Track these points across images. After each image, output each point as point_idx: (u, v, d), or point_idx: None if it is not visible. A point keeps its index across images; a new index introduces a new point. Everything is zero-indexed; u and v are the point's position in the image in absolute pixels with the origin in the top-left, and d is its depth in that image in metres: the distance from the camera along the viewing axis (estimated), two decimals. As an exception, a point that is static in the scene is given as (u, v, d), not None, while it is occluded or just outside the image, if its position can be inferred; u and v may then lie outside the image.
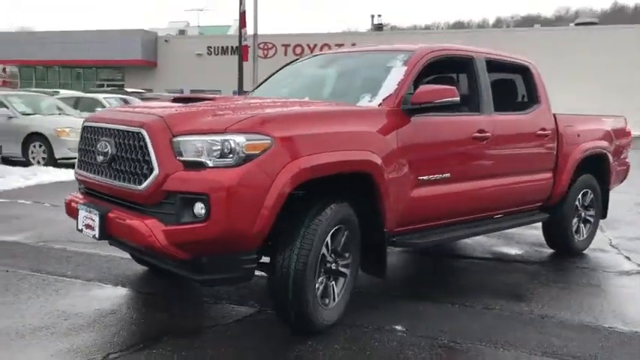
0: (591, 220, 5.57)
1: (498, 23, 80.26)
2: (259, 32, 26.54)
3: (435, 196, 3.90)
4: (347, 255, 3.48)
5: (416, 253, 5.41)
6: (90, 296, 3.88)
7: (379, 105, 3.66)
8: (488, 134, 4.20)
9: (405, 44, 4.32)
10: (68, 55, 40.01)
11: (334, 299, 3.41)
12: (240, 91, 24.84)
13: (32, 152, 10.70)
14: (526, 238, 6.05)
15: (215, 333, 3.35)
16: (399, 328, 3.48)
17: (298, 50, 38.45)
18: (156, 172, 2.96)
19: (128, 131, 3.17)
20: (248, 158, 2.92)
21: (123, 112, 3.43)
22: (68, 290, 3.97)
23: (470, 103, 4.35)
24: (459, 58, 4.38)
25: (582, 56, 32.00)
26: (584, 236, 5.52)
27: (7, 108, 11.04)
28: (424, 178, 3.80)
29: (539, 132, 4.72)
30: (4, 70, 43.49)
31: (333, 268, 3.39)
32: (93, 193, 3.56)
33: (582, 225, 5.50)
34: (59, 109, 12.26)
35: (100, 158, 3.35)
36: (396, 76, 3.81)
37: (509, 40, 32.95)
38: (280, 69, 4.96)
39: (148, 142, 3.01)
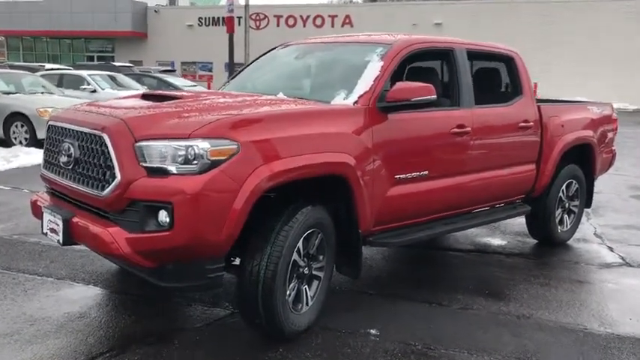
0: (575, 210, 5.51)
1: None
2: (251, 2, 26.14)
3: (413, 194, 3.81)
4: (321, 258, 3.40)
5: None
6: (60, 297, 3.80)
7: (354, 103, 3.54)
8: (467, 129, 4.09)
9: (383, 35, 4.17)
10: (56, 25, 39.20)
11: (307, 303, 3.34)
12: (231, 63, 24.56)
13: (14, 132, 10.50)
14: (511, 228, 5.98)
15: (184, 338, 3.27)
16: (373, 332, 3.42)
17: (291, 21, 37.87)
18: (118, 178, 2.85)
19: (90, 134, 3.05)
20: (213, 164, 2.82)
21: (86, 113, 3.29)
22: (38, 290, 3.89)
23: (450, 96, 4.23)
24: (439, 51, 4.25)
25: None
26: (568, 227, 5.46)
27: (-12, 87, 10.82)
28: (401, 176, 3.70)
29: (521, 124, 4.60)
30: (-10, 40, 42.65)
31: (306, 272, 3.31)
32: (58, 195, 3.45)
33: (566, 216, 5.43)
34: (42, 87, 12.02)
35: (64, 160, 3.23)
36: (372, 71, 3.67)
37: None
38: (257, 58, 4.80)
39: (110, 146, 2.90)
